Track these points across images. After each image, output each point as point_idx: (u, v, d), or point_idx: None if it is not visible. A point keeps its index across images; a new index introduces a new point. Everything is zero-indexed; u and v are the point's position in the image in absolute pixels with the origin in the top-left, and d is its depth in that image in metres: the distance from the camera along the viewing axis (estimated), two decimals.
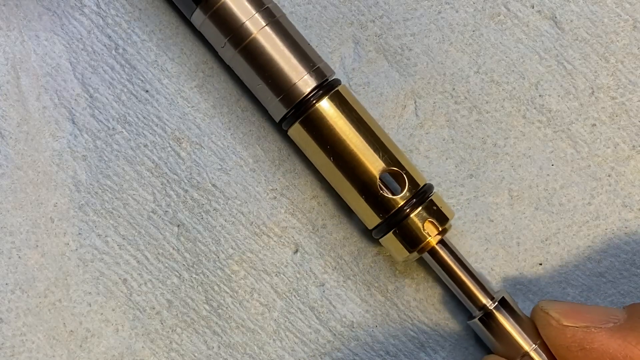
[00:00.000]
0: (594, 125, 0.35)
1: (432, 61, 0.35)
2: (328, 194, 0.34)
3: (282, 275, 0.34)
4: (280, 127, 0.34)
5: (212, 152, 0.34)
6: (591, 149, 0.35)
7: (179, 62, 0.35)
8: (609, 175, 0.34)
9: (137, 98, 0.34)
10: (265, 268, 0.34)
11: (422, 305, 0.34)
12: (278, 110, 0.32)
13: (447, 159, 0.35)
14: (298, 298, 0.34)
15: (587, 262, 0.34)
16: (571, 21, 0.35)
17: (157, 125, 0.34)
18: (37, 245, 0.34)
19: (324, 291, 0.34)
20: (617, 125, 0.35)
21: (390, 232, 0.32)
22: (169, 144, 0.34)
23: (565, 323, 0.30)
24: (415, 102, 0.35)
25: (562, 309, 0.30)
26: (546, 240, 0.34)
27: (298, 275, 0.34)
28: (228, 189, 0.34)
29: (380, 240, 0.32)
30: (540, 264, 0.34)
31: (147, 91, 0.34)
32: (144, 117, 0.34)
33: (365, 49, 0.35)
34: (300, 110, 0.32)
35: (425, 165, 0.35)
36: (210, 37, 0.33)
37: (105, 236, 0.34)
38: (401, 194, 0.31)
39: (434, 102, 0.35)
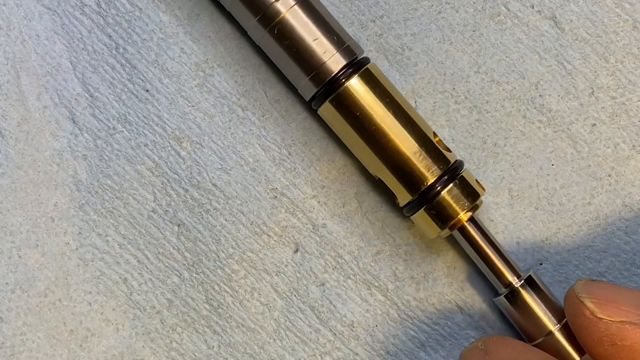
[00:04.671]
0: (594, 125, 0.35)
1: (432, 61, 0.35)
2: (328, 193, 0.34)
3: (282, 274, 0.34)
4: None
5: (213, 152, 0.34)
6: (591, 149, 0.35)
7: (180, 62, 0.35)
8: (609, 175, 0.34)
9: (137, 97, 0.34)
10: (265, 267, 0.34)
11: (423, 304, 0.34)
12: (308, 89, 0.32)
13: None
14: (298, 297, 0.34)
15: (587, 262, 0.34)
16: (571, 21, 0.35)
17: (157, 124, 0.34)
18: (38, 245, 0.34)
19: (324, 291, 0.34)
20: (617, 125, 0.35)
21: (422, 209, 0.32)
22: (170, 143, 0.34)
23: (599, 315, 0.29)
24: (415, 102, 0.35)
25: (597, 297, 0.29)
26: (546, 240, 0.34)
27: (298, 275, 0.34)
28: (228, 188, 0.34)
29: (411, 217, 0.32)
30: (541, 264, 0.34)
31: (147, 90, 0.34)
32: (145, 117, 0.34)
33: (365, 48, 0.35)
34: (330, 88, 0.32)
35: None
36: (239, 16, 0.33)
37: (106, 235, 0.34)
38: (434, 168, 0.32)
39: (434, 102, 0.35)
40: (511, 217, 0.34)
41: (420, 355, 0.34)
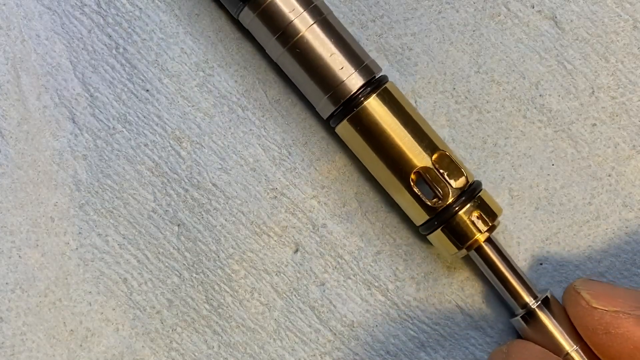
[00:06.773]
0: (595, 125, 0.35)
1: (433, 61, 0.35)
2: (328, 193, 0.34)
3: (282, 274, 0.34)
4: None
5: (213, 152, 0.34)
6: (591, 149, 0.35)
7: (179, 62, 0.35)
8: (609, 175, 0.34)
9: (137, 97, 0.34)
10: (265, 267, 0.34)
11: (423, 304, 0.34)
12: (326, 108, 0.32)
13: None
14: (298, 297, 0.34)
15: (587, 262, 0.34)
16: (571, 21, 0.35)
17: (157, 124, 0.34)
18: (38, 245, 0.34)
19: (324, 291, 0.34)
20: (617, 125, 0.35)
21: (439, 229, 0.32)
22: (170, 143, 0.34)
23: (594, 305, 0.30)
24: (415, 102, 0.35)
25: (594, 290, 0.30)
26: (546, 240, 0.34)
27: (298, 275, 0.34)
28: (228, 188, 0.34)
29: (428, 236, 0.32)
30: (541, 264, 0.34)
31: (147, 90, 0.34)
32: (145, 117, 0.34)
33: (365, 48, 0.35)
34: (349, 107, 0.32)
35: None
36: (257, 35, 0.33)
37: (106, 235, 0.34)
38: (450, 190, 0.32)
39: (435, 102, 0.35)
40: (511, 217, 0.34)
41: (420, 356, 0.34)
